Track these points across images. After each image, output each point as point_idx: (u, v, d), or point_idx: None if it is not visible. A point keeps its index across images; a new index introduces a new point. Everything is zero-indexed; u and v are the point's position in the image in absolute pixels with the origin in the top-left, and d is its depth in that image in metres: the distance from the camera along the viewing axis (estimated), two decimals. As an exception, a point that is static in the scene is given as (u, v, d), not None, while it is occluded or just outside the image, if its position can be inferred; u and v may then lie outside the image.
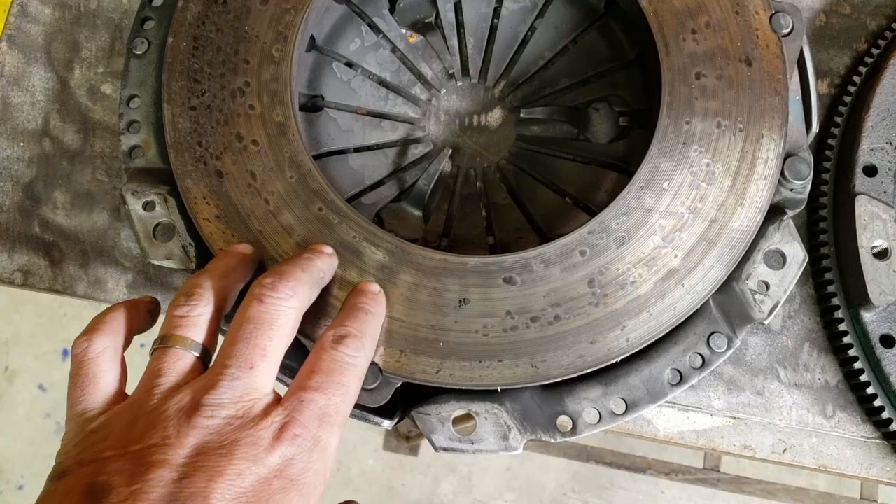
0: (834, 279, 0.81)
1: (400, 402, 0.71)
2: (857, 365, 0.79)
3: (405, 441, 1.98)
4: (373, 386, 0.68)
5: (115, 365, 0.60)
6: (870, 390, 0.78)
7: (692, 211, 0.71)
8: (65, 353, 2.27)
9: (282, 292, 0.60)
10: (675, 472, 1.67)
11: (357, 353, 0.60)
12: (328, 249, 0.68)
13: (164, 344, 0.58)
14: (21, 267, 0.84)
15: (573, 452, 1.71)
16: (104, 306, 0.65)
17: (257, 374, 0.56)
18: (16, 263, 0.84)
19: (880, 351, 0.77)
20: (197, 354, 0.58)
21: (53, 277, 0.84)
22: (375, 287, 0.67)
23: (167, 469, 0.51)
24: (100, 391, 0.58)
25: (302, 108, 0.82)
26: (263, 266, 0.69)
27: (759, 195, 0.72)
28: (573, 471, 2.06)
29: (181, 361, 0.58)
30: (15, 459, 2.20)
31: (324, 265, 0.66)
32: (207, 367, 0.59)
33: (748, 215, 0.72)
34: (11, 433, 2.22)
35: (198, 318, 0.59)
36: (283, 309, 0.59)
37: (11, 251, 0.84)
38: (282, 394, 0.58)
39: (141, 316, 0.64)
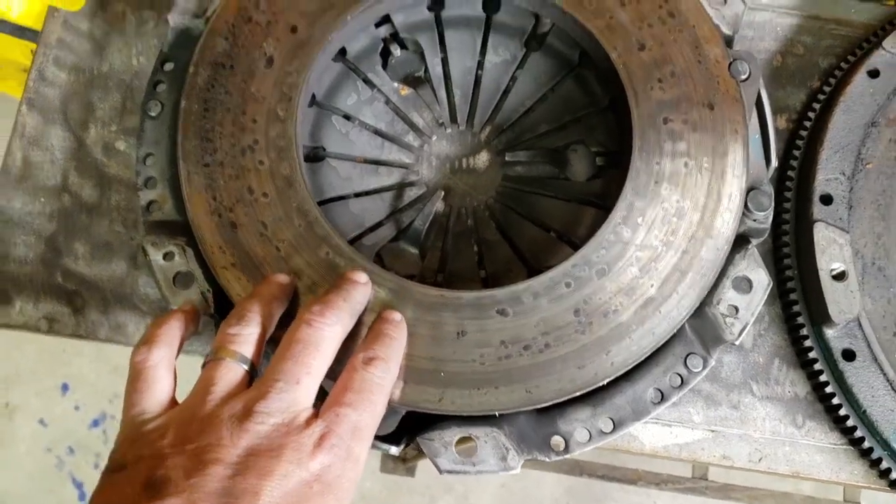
0: (798, 300, 0.88)
1: (405, 429, 0.78)
2: (823, 378, 0.86)
3: (402, 462, 2.03)
4: (381, 415, 0.74)
5: (169, 373, 0.67)
6: (835, 401, 0.85)
7: (665, 243, 0.78)
8: (65, 388, 2.31)
9: (328, 318, 0.67)
10: (664, 482, 1.73)
11: (384, 374, 0.67)
12: (363, 278, 0.74)
13: (216, 356, 0.65)
14: (46, 315, 0.90)
15: (566, 467, 1.77)
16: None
17: (302, 389, 0.63)
18: (41, 311, 0.90)
19: (842, 364, 0.84)
20: (246, 367, 0.65)
21: (77, 324, 0.90)
22: (398, 315, 0.74)
23: (222, 466, 0.58)
24: (156, 396, 0.65)
25: (305, 159, 0.88)
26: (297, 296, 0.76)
27: (725, 227, 0.80)
28: (567, 485, 2.12)
29: (232, 373, 0.65)
30: (16, 495, 2.23)
31: (361, 296, 0.73)
32: (253, 380, 0.66)
33: (716, 245, 0.79)
34: (13, 469, 2.25)
35: (248, 337, 0.67)
36: (328, 333, 0.67)
37: (37, 300, 0.90)
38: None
39: (190, 326, 0.72)
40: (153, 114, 0.85)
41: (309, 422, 0.62)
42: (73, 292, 0.91)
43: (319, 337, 0.66)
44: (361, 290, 0.73)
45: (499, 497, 2.16)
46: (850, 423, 0.85)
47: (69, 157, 0.94)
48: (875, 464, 0.86)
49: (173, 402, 0.66)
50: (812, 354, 0.87)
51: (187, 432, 0.60)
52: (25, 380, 2.32)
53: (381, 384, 0.67)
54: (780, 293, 0.91)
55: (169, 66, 0.86)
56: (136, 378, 0.66)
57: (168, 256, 0.80)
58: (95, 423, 2.28)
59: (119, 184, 0.94)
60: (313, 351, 0.65)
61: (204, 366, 0.66)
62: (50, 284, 0.91)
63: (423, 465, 2.18)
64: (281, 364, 0.64)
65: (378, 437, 0.76)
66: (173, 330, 0.70)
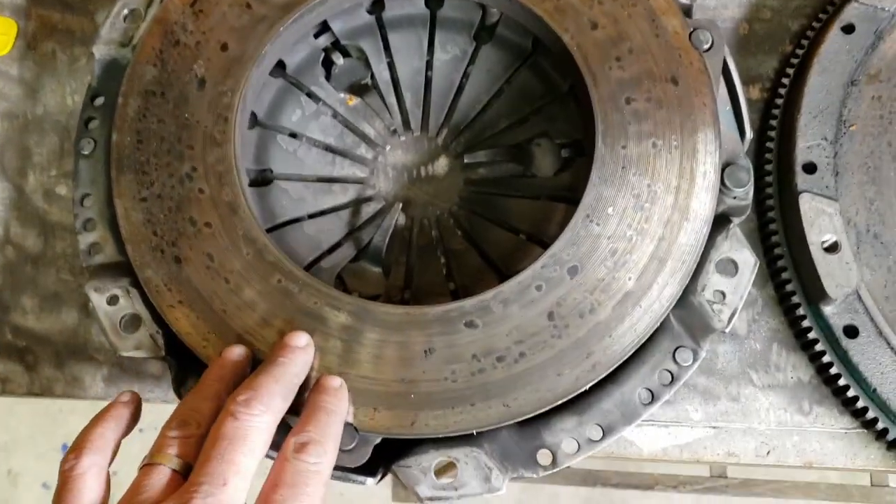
0: (791, 278, 0.82)
1: (381, 458, 0.72)
2: (826, 359, 0.80)
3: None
4: (350, 447, 0.69)
5: (99, 482, 0.61)
6: (842, 382, 0.79)
7: (639, 232, 0.73)
8: (64, 448, 2.26)
9: (255, 408, 0.60)
10: (683, 483, 1.67)
11: (319, 458, 0.60)
12: (302, 341, 0.68)
13: (151, 461, 0.59)
14: (-3, 376, 0.85)
15: (579, 479, 1.71)
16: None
17: (228, 490, 0.56)
18: (-8, 373, 0.85)
19: (845, 342, 0.79)
20: (179, 471, 0.59)
21: (31, 381, 0.85)
22: (337, 381, 0.68)
23: None
24: None
25: (252, 183, 0.83)
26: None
27: (702, 208, 0.74)
28: (583, 497, 2.05)
29: (165, 478, 0.58)
30: (27, 565, 2.19)
31: (298, 367, 0.66)
32: None
33: (694, 228, 0.73)
34: (22, 538, 2.20)
35: (187, 440, 0.60)
36: (255, 425, 0.60)
37: (-14, 362, 0.85)
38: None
39: (127, 424, 0.66)
40: (86, 152, 0.80)
41: None
42: (24, 349, 0.86)
43: (246, 429, 0.59)
44: (299, 358, 0.67)
45: (516, 515, 2.10)
46: (860, 404, 0.79)
47: (9, 207, 0.89)
48: (893, 445, 0.79)
49: None
50: (812, 335, 0.81)
51: None
52: (24, 445, 2.27)
53: (316, 472, 0.60)
54: (771, 273, 0.85)
55: (99, 101, 0.82)
56: (61, 488, 0.60)
57: (112, 300, 0.75)
58: (98, 482, 2.22)
59: (63, 230, 0.89)
60: (240, 447, 0.58)
61: (139, 470, 0.60)
62: (-1, 343, 0.86)
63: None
64: (206, 465, 0.57)
65: (351, 470, 0.70)
66: (107, 432, 0.63)
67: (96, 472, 0.61)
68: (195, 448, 0.60)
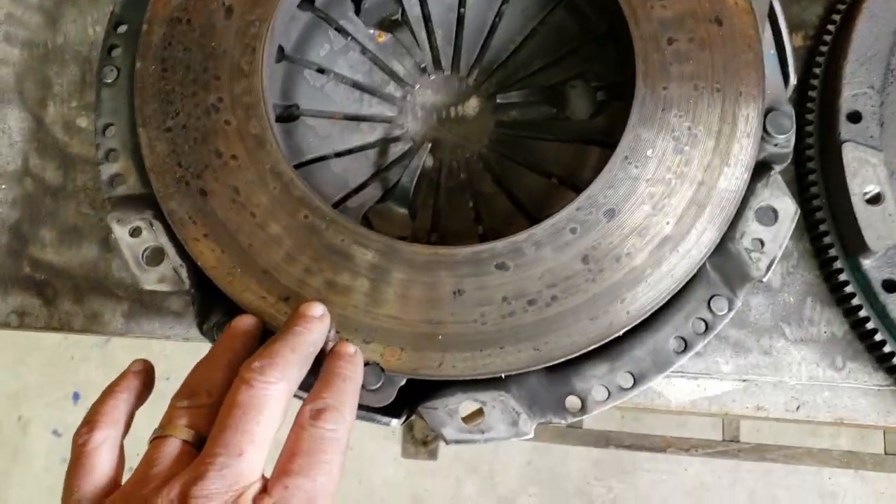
0: (829, 230, 0.80)
1: (406, 400, 0.71)
2: (862, 313, 0.78)
3: (423, 446, 1.97)
4: (376, 386, 0.67)
5: (113, 455, 0.59)
6: (878, 337, 0.78)
7: (679, 176, 0.71)
8: (75, 396, 2.26)
9: (271, 376, 0.58)
10: (695, 447, 1.66)
11: (336, 425, 0.58)
12: (318, 311, 0.66)
13: (162, 433, 0.58)
14: (16, 308, 0.84)
15: (592, 439, 1.70)
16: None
17: (245, 461, 0.55)
18: (10, 306, 0.84)
19: (884, 297, 0.77)
20: (190, 441, 0.57)
21: (49, 316, 0.84)
22: (351, 349, 0.65)
23: None
24: (95, 481, 0.58)
25: (278, 119, 0.81)
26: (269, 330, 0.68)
27: (743, 153, 0.72)
28: (594, 458, 2.05)
29: (176, 450, 0.57)
30: (36, 510, 2.20)
31: (314, 336, 0.64)
32: None
33: (735, 174, 0.71)
34: (30, 485, 2.21)
35: (198, 410, 0.59)
36: (271, 393, 0.58)
37: (5, 294, 0.84)
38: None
39: (139, 395, 0.64)
40: (109, 81, 0.78)
41: (256, 501, 0.54)
42: (43, 282, 0.84)
43: (262, 398, 0.57)
44: (315, 328, 0.64)
45: (525, 474, 2.09)
46: (896, 360, 0.77)
47: (28, 139, 0.87)
48: (927, 403, 0.78)
49: (115, 486, 0.58)
50: (848, 289, 0.79)
51: None
52: (35, 392, 2.28)
53: (334, 438, 0.58)
54: (808, 225, 0.83)
55: (122, 29, 0.79)
56: (74, 462, 0.58)
57: (135, 232, 0.73)
58: (109, 430, 2.23)
59: (84, 163, 0.87)
60: (255, 416, 0.56)
61: (150, 443, 0.58)
62: (17, 276, 0.84)
63: (446, 447, 2.12)
64: (221, 435, 0.56)
65: (376, 410, 0.69)
66: (120, 404, 0.61)
67: (110, 446, 0.59)
68: (206, 418, 0.58)
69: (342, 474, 0.58)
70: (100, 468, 0.58)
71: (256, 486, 0.55)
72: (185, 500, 0.52)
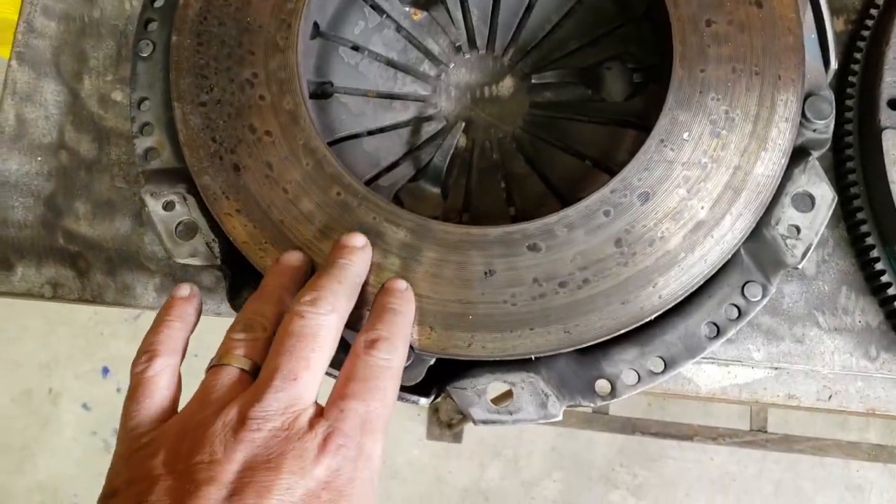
0: (867, 218, 0.79)
1: (435, 379, 0.71)
2: (899, 303, 0.77)
3: (448, 429, 1.98)
4: (406, 364, 0.67)
5: (171, 382, 0.61)
6: (913, 328, 0.76)
7: (715, 160, 0.70)
8: (105, 371, 2.30)
9: (322, 307, 0.60)
10: (722, 436, 1.65)
11: (390, 355, 0.60)
12: (360, 241, 0.67)
13: (219, 363, 0.59)
14: (49, 280, 0.85)
15: (618, 426, 1.70)
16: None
17: (300, 385, 0.56)
18: (44, 277, 0.85)
19: (921, 287, 0.75)
20: (247, 370, 0.59)
21: (82, 287, 0.84)
22: (402, 284, 0.67)
23: (215, 487, 0.51)
24: (154, 407, 0.59)
25: (312, 95, 0.81)
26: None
27: (781, 138, 0.71)
28: (619, 444, 2.05)
29: (231, 378, 0.58)
30: (67, 480, 2.23)
31: (359, 268, 0.66)
32: None
33: (772, 159, 0.70)
34: (61, 454, 2.25)
35: (254, 342, 0.60)
36: (323, 323, 0.59)
37: (39, 265, 0.85)
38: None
39: (192, 321, 0.66)
40: (144, 54, 0.78)
41: (311, 423, 0.55)
42: (77, 254, 0.85)
43: (314, 327, 0.59)
44: (359, 258, 0.66)
45: (549, 460, 2.10)
46: (932, 352, 0.76)
47: (64, 112, 0.88)
48: (962, 397, 0.77)
49: (173, 412, 0.60)
50: (885, 279, 0.78)
51: (179, 449, 0.54)
52: (65, 364, 2.31)
53: (388, 367, 0.60)
54: (844, 213, 0.82)
55: (159, 2, 0.79)
56: (133, 390, 0.60)
57: (168, 206, 0.74)
58: (138, 404, 2.26)
59: (118, 137, 0.87)
60: (310, 342, 0.58)
61: (207, 372, 0.60)
62: (52, 248, 0.85)
63: (470, 430, 2.13)
64: (275, 360, 0.57)
65: (405, 388, 0.69)
66: (175, 332, 0.64)
67: (169, 373, 0.61)
68: (262, 350, 0.60)
69: (395, 403, 0.60)
70: (158, 394, 0.60)
71: (312, 410, 0.56)
72: (242, 422, 0.54)
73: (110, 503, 0.54)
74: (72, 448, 2.25)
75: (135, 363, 0.62)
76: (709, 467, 2.03)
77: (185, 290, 0.67)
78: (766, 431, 1.64)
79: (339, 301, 0.61)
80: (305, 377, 0.57)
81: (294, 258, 0.68)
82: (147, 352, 0.62)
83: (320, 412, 0.57)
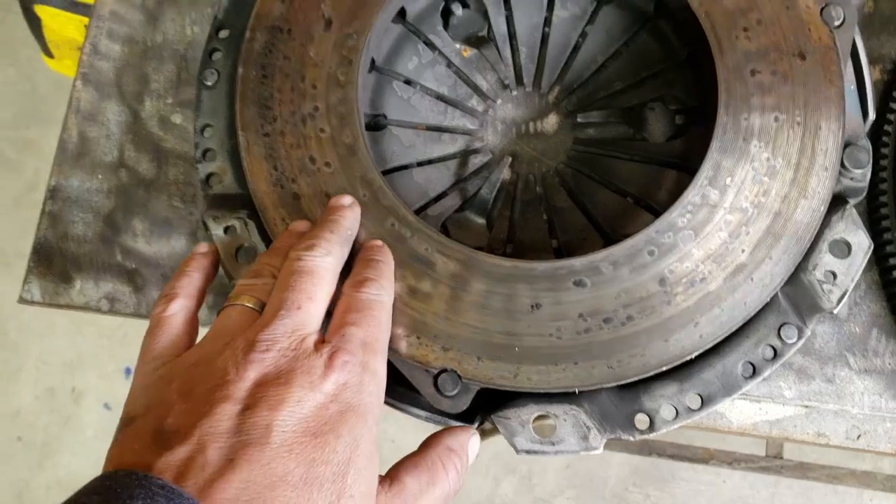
0: (899, 264, 0.82)
1: (479, 407, 0.73)
2: (927, 348, 0.80)
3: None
4: (453, 393, 0.70)
5: (187, 323, 0.66)
6: (941, 372, 0.79)
7: (756, 206, 0.73)
8: (127, 371, 2.33)
9: (318, 251, 0.65)
10: (737, 461, 1.67)
11: (380, 291, 0.66)
12: (347, 200, 0.73)
13: (230, 303, 0.65)
14: (107, 294, 0.88)
15: (634, 447, 1.72)
16: None
17: (304, 313, 0.61)
18: (102, 291, 0.88)
19: (950, 333, 0.78)
20: (256, 309, 0.64)
21: (137, 303, 0.88)
22: (378, 242, 0.72)
23: (230, 403, 0.55)
24: (171, 343, 0.64)
25: (367, 127, 0.84)
26: None
27: (820, 186, 0.74)
28: (634, 465, 2.07)
29: (243, 315, 0.63)
30: (87, 479, 2.23)
31: (347, 222, 0.71)
32: None
33: (811, 206, 0.73)
34: (82, 453, 2.29)
35: (262, 286, 0.65)
36: (320, 262, 0.65)
37: (97, 280, 0.88)
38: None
39: (209, 273, 0.72)
40: (209, 83, 0.81)
41: (317, 345, 0.60)
42: (133, 271, 0.88)
43: (313, 266, 0.64)
44: (348, 214, 0.72)
45: (563, 477, 2.12)
46: (958, 396, 0.79)
47: (125, 132, 0.92)
48: None
49: (190, 346, 0.65)
50: (915, 323, 0.80)
51: (193, 375, 0.59)
52: (89, 364, 2.35)
53: (378, 300, 0.66)
54: (877, 258, 0.84)
55: (224, 34, 0.83)
56: (153, 328, 0.65)
57: (229, 230, 0.77)
58: (158, 406, 2.29)
59: (176, 158, 0.91)
60: (310, 278, 0.63)
61: (219, 313, 0.65)
62: (110, 263, 0.89)
63: (485, 444, 2.15)
64: (279, 294, 0.63)
65: (451, 416, 0.72)
66: (193, 280, 0.70)
67: (185, 314, 0.67)
68: (269, 292, 0.65)
69: (388, 332, 0.66)
70: (175, 331, 0.65)
71: (316, 335, 0.61)
72: (252, 346, 0.58)
73: (129, 428, 0.57)
74: (92, 447, 2.29)
75: (155, 306, 0.67)
76: (721, 490, 2.05)
77: (203, 247, 0.74)
78: (781, 458, 1.66)
79: (333, 247, 0.67)
80: (308, 306, 0.62)
81: (302, 225, 0.73)
82: (166, 295, 0.67)
83: (323, 339, 0.61)
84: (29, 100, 2.53)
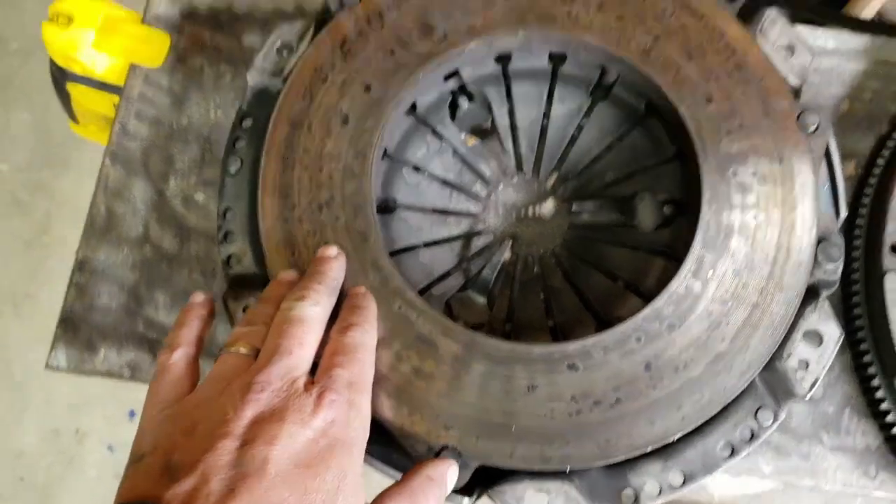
0: (869, 349, 0.88)
1: (477, 480, 0.79)
2: (896, 430, 0.85)
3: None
4: (453, 469, 0.76)
5: (190, 368, 0.73)
6: (909, 452, 0.85)
7: (735, 298, 0.79)
8: (131, 414, 2.37)
9: (307, 301, 0.72)
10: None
11: (364, 335, 0.73)
12: (332, 252, 0.80)
13: (227, 349, 0.71)
14: (129, 362, 0.94)
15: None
16: None
17: (296, 357, 0.68)
18: (124, 359, 0.94)
19: (916, 417, 0.84)
20: (251, 355, 0.70)
21: (158, 370, 0.93)
22: (362, 289, 0.79)
23: (230, 439, 0.61)
24: (174, 389, 0.70)
25: (377, 210, 0.90)
26: None
27: (795, 280, 0.80)
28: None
29: (239, 360, 0.70)
30: (88, 520, 2.30)
31: (334, 272, 0.78)
32: None
33: (787, 299, 0.79)
34: (84, 495, 2.32)
35: (256, 333, 0.72)
36: (310, 312, 0.72)
37: (120, 348, 0.94)
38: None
39: (207, 322, 0.79)
40: (233, 170, 0.87)
41: (307, 385, 0.67)
42: (155, 340, 0.94)
43: (302, 315, 0.71)
44: (334, 265, 0.78)
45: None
46: (925, 476, 0.84)
47: (150, 209, 0.98)
48: (951, 517, 0.85)
49: (191, 391, 0.71)
50: (884, 406, 0.86)
51: (196, 415, 0.65)
52: (93, 405, 2.39)
53: (363, 343, 0.72)
54: (850, 343, 0.91)
55: (248, 123, 0.89)
56: (158, 374, 0.72)
57: (248, 310, 0.83)
58: (160, 449, 2.33)
59: (198, 234, 0.97)
60: (300, 326, 0.70)
61: (216, 360, 0.71)
62: (132, 333, 0.95)
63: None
64: (273, 341, 0.69)
65: (451, 491, 0.77)
66: (193, 330, 0.76)
67: (187, 360, 0.73)
68: (263, 339, 0.71)
69: (372, 374, 0.73)
70: (178, 376, 0.71)
71: (306, 377, 0.68)
72: (248, 387, 0.65)
73: (139, 464, 0.63)
74: (94, 489, 2.32)
75: (159, 354, 0.74)
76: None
77: (200, 296, 0.80)
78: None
79: (321, 297, 0.74)
80: (299, 352, 0.68)
81: (289, 275, 0.79)
82: (169, 345, 0.73)
83: (312, 380, 0.68)
84: (43, 144, 2.60)
